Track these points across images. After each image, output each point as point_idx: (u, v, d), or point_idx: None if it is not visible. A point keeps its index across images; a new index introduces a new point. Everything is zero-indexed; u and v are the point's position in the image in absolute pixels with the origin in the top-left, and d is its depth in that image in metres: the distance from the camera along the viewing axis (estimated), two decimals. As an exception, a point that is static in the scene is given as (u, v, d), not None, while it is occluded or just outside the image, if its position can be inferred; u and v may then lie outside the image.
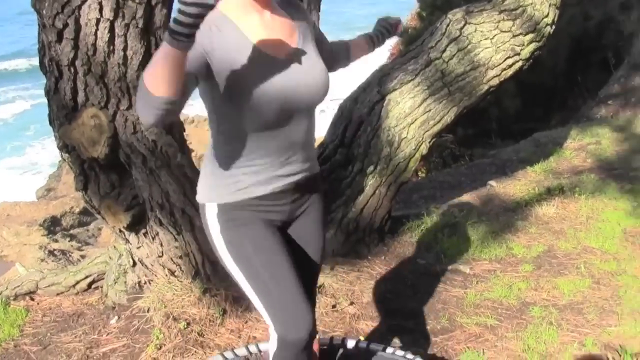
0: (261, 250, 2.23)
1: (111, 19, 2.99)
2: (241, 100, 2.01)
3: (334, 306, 3.60)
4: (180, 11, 1.67)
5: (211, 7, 1.66)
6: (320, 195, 2.42)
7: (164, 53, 1.71)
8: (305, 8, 2.44)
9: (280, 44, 2.09)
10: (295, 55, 2.10)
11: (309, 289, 2.39)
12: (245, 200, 2.19)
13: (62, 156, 3.51)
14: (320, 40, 2.33)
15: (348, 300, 3.66)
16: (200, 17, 1.67)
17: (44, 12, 3.03)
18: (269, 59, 2.04)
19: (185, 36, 1.68)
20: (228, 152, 2.15)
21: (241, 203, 2.19)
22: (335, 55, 2.50)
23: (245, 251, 2.22)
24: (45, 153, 21.99)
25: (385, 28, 2.65)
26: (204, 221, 2.26)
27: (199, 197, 2.26)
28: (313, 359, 2.43)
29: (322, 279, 3.68)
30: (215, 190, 2.22)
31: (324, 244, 2.48)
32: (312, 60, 2.15)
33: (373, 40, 2.63)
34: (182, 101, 1.82)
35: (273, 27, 2.09)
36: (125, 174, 3.37)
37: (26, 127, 25.09)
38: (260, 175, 2.16)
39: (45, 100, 3.34)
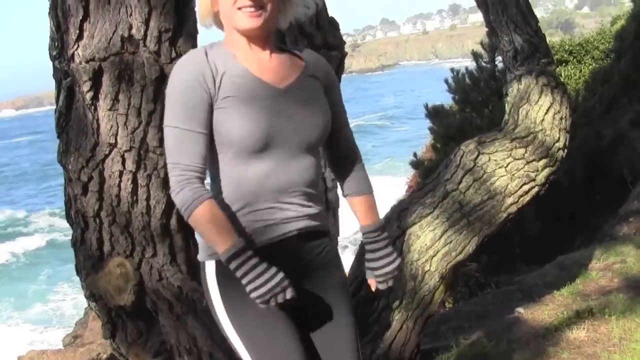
0: (264, 321, 2.15)
1: (134, 170, 3.09)
2: (229, 125, 2.06)
3: None
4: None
5: None
6: (332, 267, 2.37)
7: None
8: (329, 69, 2.34)
9: (277, 73, 2.13)
10: (293, 86, 2.13)
11: None
12: None
13: (89, 304, 3.54)
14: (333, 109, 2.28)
15: None
16: None
17: (70, 166, 3.15)
18: (262, 83, 2.10)
19: None
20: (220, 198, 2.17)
21: None
22: (339, 160, 2.41)
23: (249, 328, 2.16)
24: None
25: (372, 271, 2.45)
26: (203, 283, 2.22)
27: (199, 256, 2.24)
28: None
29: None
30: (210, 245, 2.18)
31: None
32: (314, 97, 2.15)
33: (371, 236, 2.41)
34: None
35: (271, 63, 2.14)
36: (152, 321, 3.38)
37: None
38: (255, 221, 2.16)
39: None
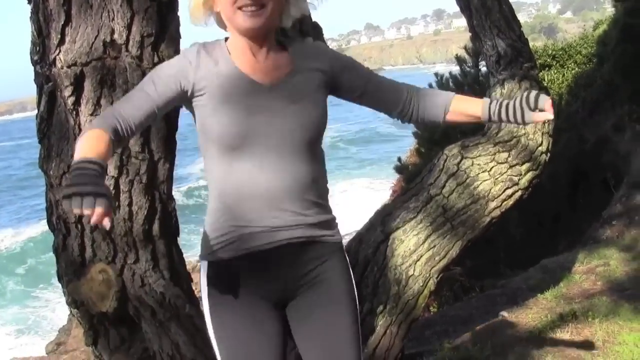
0: (237, 332, 2.14)
1: (115, 176, 3.08)
2: (207, 114, 2.06)
3: None
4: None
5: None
6: (334, 274, 2.25)
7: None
8: (331, 55, 2.27)
9: (268, 71, 2.11)
10: (279, 83, 2.11)
11: None
12: (233, 259, 2.12)
13: (71, 311, 3.52)
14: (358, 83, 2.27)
15: None
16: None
17: (51, 172, 3.13)
18: (247, 80, 2.08)
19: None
20: (212, 201, 2.16)
21: (228, 262, 2.13)
22: (398, 98, 2.31)
23: (224, 330, 2.16)
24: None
25: (527, 103, 2.17)
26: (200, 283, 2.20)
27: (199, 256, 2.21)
28: None
29: None
30: (204, 246, 2.17)
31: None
32: (303, 94, 2.11)
33: (493, 109, 2.23)
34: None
35: (266, 61, 2.12)
36: (135, 327, 3.36)
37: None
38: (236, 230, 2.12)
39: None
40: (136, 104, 2.05)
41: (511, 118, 2.19)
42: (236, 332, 2.13)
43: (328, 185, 2.27)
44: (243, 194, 2.08)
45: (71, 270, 3.26)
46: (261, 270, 2.14)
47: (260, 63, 2.11)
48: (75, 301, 3.29)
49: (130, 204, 3.14)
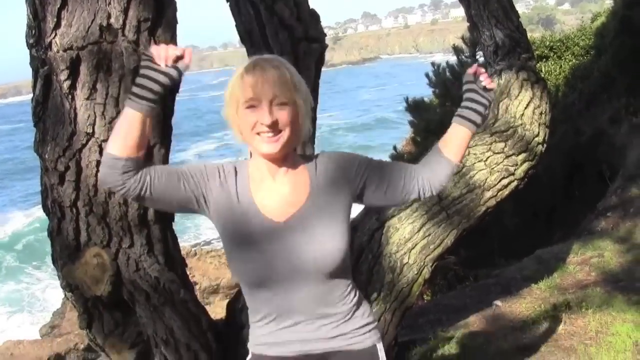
0: None
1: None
2: (227, 249, 2.13)
3: None
4: (142, 75, 2.01)
5: (174, 80, 1.98)
6: None
7: (123, 112, 2.04)
8: (356, 169, 2.19)
9: (284, 201, 2.11)
10: (295, 216, 2.10)
11: None
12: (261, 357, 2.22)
13: (65, 295, 3.52)
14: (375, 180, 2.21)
15: None
16: (161, 85, 1.99)
17: (46, 156, 3.12)
18: (263, 221, 2.10)
19: (141, 98, 1.99)
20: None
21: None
22: (418, 175, 2.24)
23: None
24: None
25: (471, 89, 2.27)
26: None
27: None
28: None
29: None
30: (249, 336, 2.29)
31: None
32: (323, 221, 2.09)
33: (464, 115, 2.26)
34: (129, 165, 2.02)
35: (282, 188, 2.13)
36: (129, 312, 3.36)
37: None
38: (268, 335, 2.19)
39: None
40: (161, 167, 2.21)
41: (479, 99, 2.26)
42: None
43: None
44: (264, 312, 2.19)
45: (66, 254, 3.26)
46: None
47: (277, 190, 2.12)
48: (69, 285, 3.29)
49: (125, 189, 3.13)
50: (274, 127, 2.00)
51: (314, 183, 2.14)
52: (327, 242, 2.08)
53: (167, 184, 2.07)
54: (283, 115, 2.00)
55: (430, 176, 2.24)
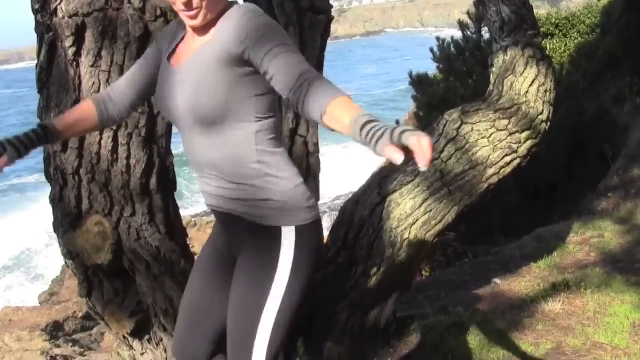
0: (195, 262, 2.58)
1: (114, 128, 3.06)
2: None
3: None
4: None
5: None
6: (254, 250, 2.27)
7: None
8: (243, 26, 2.07)
9: (186, 53, 2.23)
10: (183, 64, 2.20)
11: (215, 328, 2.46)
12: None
13: (65, 262, 3.52)
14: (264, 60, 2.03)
15: (355, 404, 3.61)
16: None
17: (50, 123, 3.09)
18: (164, 64, 2.31)
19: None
20: None
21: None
22: (295, 94, 1.93)
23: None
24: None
25: (391, 136, 1.64)
26: None
27: None
28: None
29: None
30: None
31: (239, 307, 2.28)
32: (202, 74, 2.12)
33: (364, 129, 1.69)
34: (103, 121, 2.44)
35: (194, 43, 2.23)
36: (129, 280, 3.37)
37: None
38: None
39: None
40: (124, 76, 2.47)
41: (365, 140, 1.69)
42: (197, 269, 2.57)
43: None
44: (189, 156, 2.30)
45: (67, 221, 3.26)
46: (218, 224, 2.45)
47: (188, 44, 2.25)
48: (70, 252, 3.29)
49: (128, 157, 3.13)
50: (189, 5, 2.09)
51: (211, 37, 2.16)
52: (203, 92, 2.10)
53: (135, 85, 2.41)
54: None
55: (304, 100, 1.89)
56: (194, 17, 2.10)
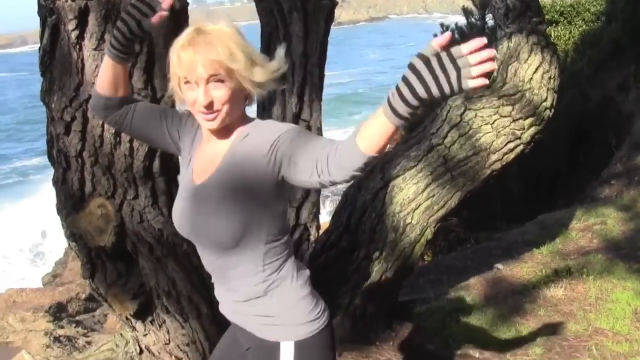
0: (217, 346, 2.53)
1: (118, 111, 3.05)
2: None
3: (341, 394, 3.57)
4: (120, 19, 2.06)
5: (143, 32, 2.07)
6: None
7: (105, 59, 2.17)
8: (272, 143, 1.95)
9: (206, 166, 2.13)
10: (206, 182, 2.10)
11: None
12: None
13: (69, 244, 3.53)
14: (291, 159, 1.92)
15: (356, 387, 3.63)
16: (129, 38, 2.08)
17: (53, 105, 3.11)
18: (189, 180, 2.19)
19: (111, 45, 2.10)
20: None
21: None
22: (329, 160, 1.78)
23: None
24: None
25: (414, 65, 1.54)
26: None
27: None
28: None
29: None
30: None
31: None
32: (227, 195, 2.04)
33: (390, 102, 1.57)
34: (110, 103, 2.22)
35: (210, 152, 2.14)
36: (132, 263, 3.38)
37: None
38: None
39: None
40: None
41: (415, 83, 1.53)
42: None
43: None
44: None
45: (70, 204, 3.27)
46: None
47: (209, 153, 2.14)
48: (73, 234, 3.30)
49: (131, 140, 3.13)
50: (210, 108, 1.99)
51: (228, 153, 2.08)
52: (220, 220, 2.03)
53: (147, 120, 2.26)
54: (219, 94, 1.98)
55: (336, 161, 1.77)
56: (212, 120, 2.01)
